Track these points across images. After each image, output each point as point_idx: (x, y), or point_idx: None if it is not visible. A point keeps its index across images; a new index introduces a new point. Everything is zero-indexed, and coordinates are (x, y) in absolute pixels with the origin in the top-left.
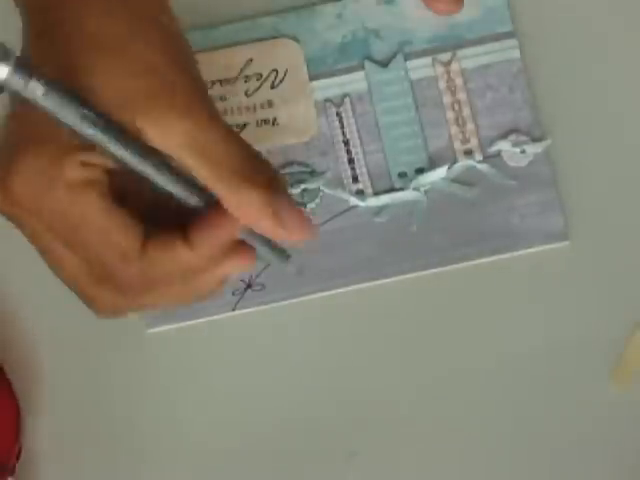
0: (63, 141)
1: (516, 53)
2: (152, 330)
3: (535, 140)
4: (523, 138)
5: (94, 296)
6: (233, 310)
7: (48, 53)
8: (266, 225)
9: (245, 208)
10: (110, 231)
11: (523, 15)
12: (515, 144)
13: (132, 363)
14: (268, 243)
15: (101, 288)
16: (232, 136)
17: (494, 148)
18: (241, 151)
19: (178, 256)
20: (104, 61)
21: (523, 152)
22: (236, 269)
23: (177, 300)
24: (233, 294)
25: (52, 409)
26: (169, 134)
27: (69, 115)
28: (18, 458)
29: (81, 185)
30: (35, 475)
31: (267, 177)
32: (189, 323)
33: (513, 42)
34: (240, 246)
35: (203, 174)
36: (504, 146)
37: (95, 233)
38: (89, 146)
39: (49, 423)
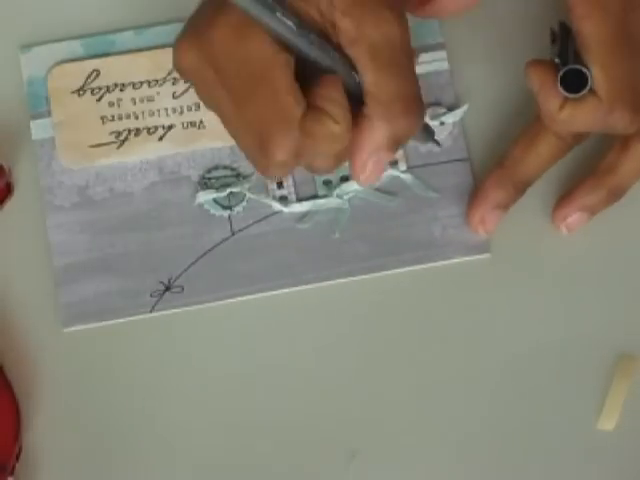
0: None
1: (444, 65)
2: (69, 329)
3: (451, 109)
4: (441, 110)
5: (254, 157)
6: (151, 312)
7: None
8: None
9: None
10: (281, 91)
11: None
12: (433, 117)
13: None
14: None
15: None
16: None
17: None
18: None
19: (329, 129)
20: None
21: (442, 124)
22: None
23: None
24: (151, 295)
25: (52, 409)
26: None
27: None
28: (18, 458)
29: (274, 43)
30: (35, 475)
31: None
32: (107, 323)
33: (442, 54)
34: None
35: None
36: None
37: (269, 90)
38: None
39: (49, 423)
